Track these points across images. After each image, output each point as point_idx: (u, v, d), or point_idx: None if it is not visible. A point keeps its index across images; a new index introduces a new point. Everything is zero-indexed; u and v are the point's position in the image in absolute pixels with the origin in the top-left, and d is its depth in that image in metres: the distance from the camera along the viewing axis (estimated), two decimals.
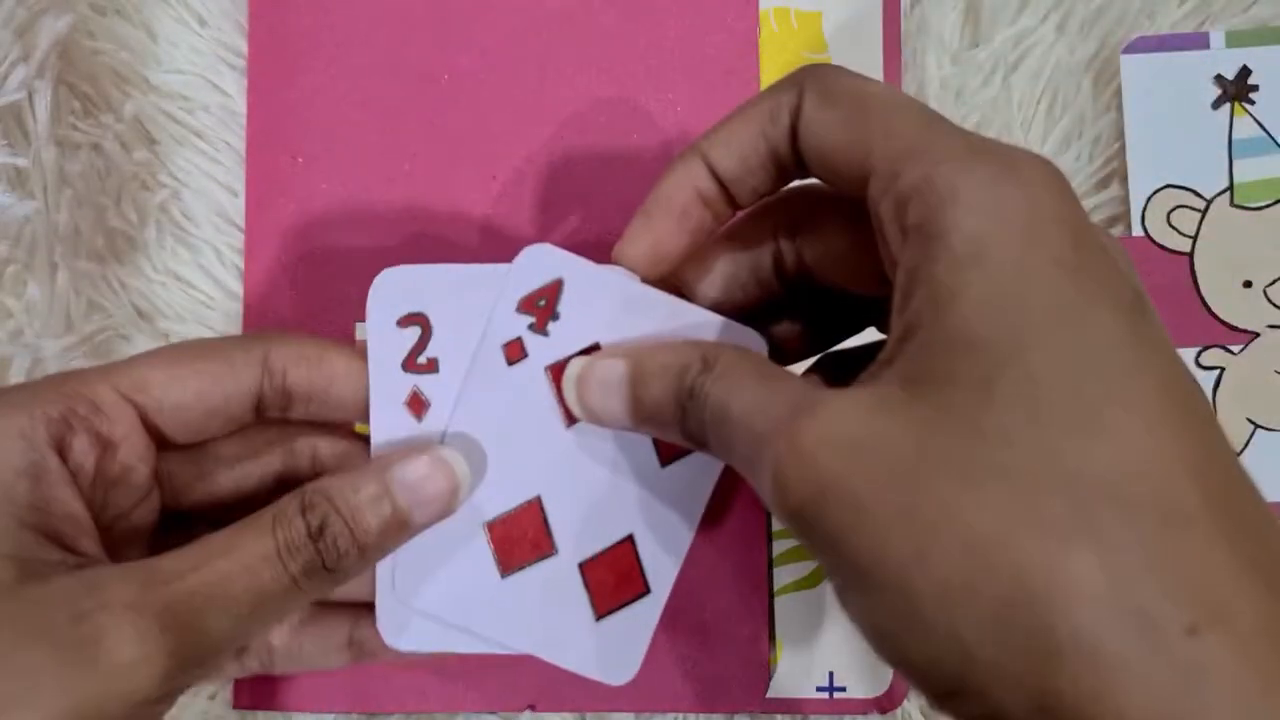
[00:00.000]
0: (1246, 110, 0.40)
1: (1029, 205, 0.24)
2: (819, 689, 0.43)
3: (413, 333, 0.33)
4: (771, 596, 0.41)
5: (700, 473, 0.34)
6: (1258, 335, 0.40)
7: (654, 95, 0.42)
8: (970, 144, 0.26)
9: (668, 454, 0.34)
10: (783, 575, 0.41)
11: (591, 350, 0.33)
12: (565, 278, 0.32)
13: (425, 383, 0.34)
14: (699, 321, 0.33)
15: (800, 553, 0.41)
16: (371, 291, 0.33)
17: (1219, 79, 0.41)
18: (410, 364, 0.33)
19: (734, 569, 0.41)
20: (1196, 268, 0.40)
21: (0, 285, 0.42)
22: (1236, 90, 0.40)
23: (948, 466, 0.23)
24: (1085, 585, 0.22)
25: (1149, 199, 0.41)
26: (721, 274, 0.33)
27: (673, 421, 0.29)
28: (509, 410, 0.34)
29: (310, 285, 0.42)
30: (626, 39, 0.42)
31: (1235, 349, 0.40)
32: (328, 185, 0.42)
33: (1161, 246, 0.41)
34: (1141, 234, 0.41)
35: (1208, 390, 0.40)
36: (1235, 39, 0.40)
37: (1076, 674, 0.21)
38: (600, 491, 0.34)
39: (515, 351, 0.33)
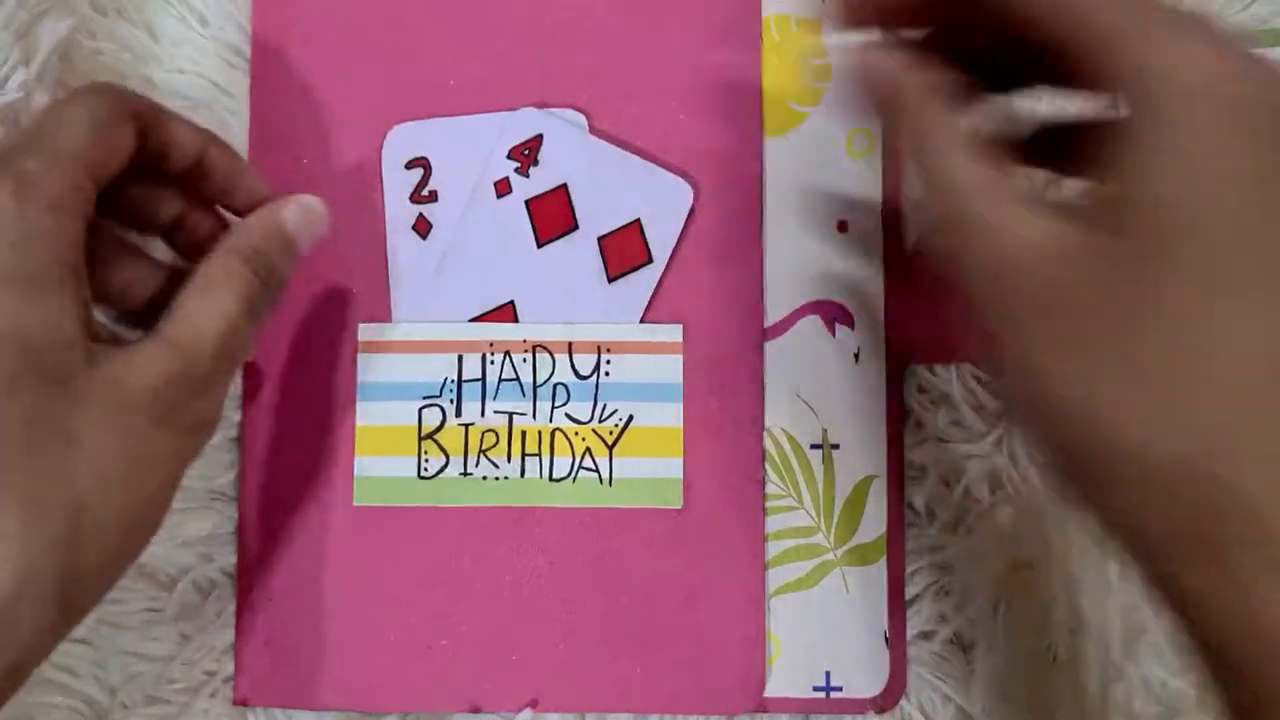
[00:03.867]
0: None
1: (1234, 84, 0.27)
2: (816, 688, 0.42)
3: (416, 173, 0.42)
4: (766, 598, 0.42)
5: (639, 289, 0.42)
6: None
7: (658, 104, 0.42)
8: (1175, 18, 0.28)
9: (614, 272, 0.42)
10: (777, 576, 0.42)
11: (560, 190, 0.42)
12: (544, 133, 0.41)
13: (428, 210, 0.42)
14: (639, 168, 0.42)
15: (796, 554, 0.42)
16: (385, 142, 0.42)
17: None
18: (415, 196, 0.42)
19: (730, 571, 0.41)
20: None
21: None
22: None
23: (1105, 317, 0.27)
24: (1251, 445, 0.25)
25: None
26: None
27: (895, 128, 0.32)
28: (495, 231, 0.42)
29: (312, 283, 0.42)
30: (631, 48, 0.43)
31: None
32: (329, 184, 0.42)
33: None
34: None
35: None
36: (1269, 39, 0.39)
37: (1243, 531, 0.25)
38: (558, 297, 0.41)
39: (504, 187, 0.42)
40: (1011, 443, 0.42)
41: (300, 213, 0.37)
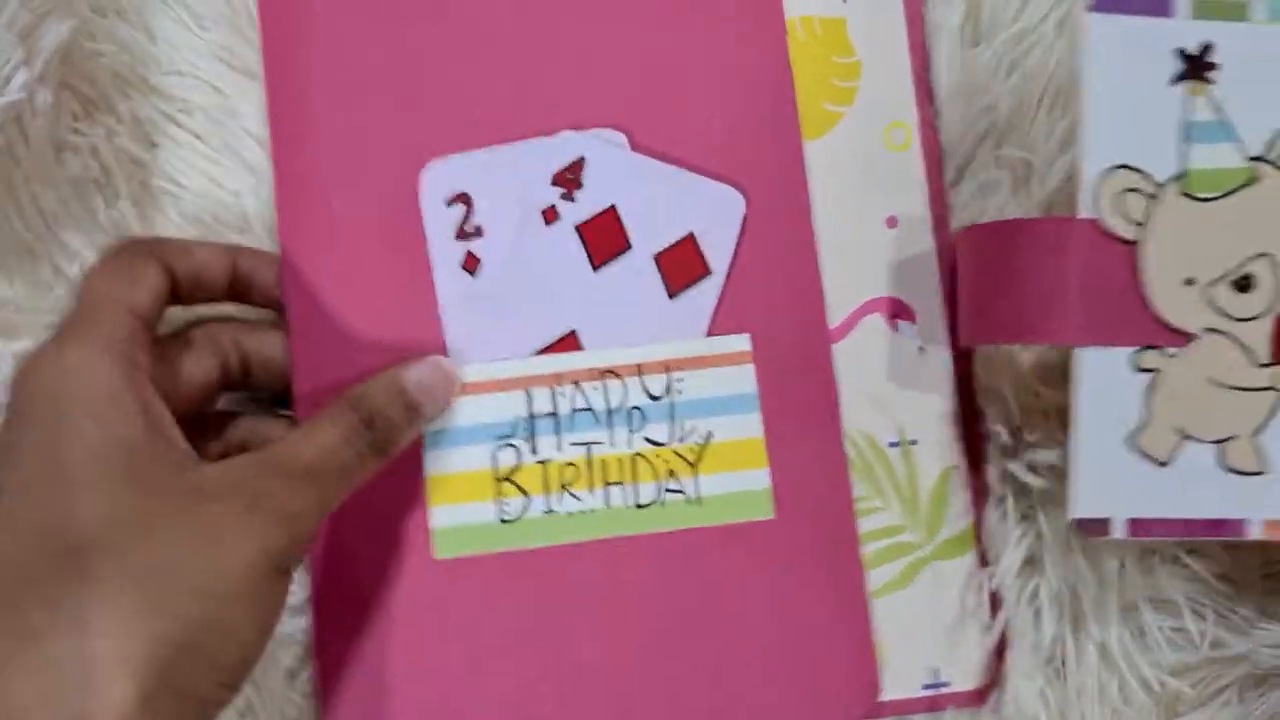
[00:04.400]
0: (1205, 90, 0.36)
1: None
2: (925, 686, 0.41)
3: (458, 210, 0.40)
4: (869, 601, 0.41)
5: (702, 302, 0.41)
6: (1194, 337, 0.36)
7: (695, 115, 0.42)
8: None
9: (675, 288, 0.41)
10: (872, 579, 0.41)
11: (610, 211, 0.40)
12: (586, 155, 0.41)
13: (475, 246, 0.40)
14: (690, 182, 0.41)
15: (887, 554, 0.41)
16: (422, 180, 0.41)
17: (1180, 52, 0.36)
18: (460, 233, 0.40)
19: (830, 576, 0.41)
20: (1142, 259, 0.36)
21: None
22: (1197, 67, 0.36)
23: None
24: None
25: (1102, 178, 0.36)
26: None
27: None
28: (548, 260, 0.41)
29: (362, 332, 0.41)
30: (661, 60, 0.42)
31: (1172, 351, 0.36)
32: (364, 229, 0.41)
33: (1109, 233, 0.36)
34: (1088, 216, 0.36)
35: (1140, 396, 0.36)
36: (1201, 8, 0.36)
37: None
38: (620, 319, 0.41)
39: (551, 215, 0.41)
40: None
41: (424, 370, 0.38)
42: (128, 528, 0.30)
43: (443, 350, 0.40)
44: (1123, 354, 0.36)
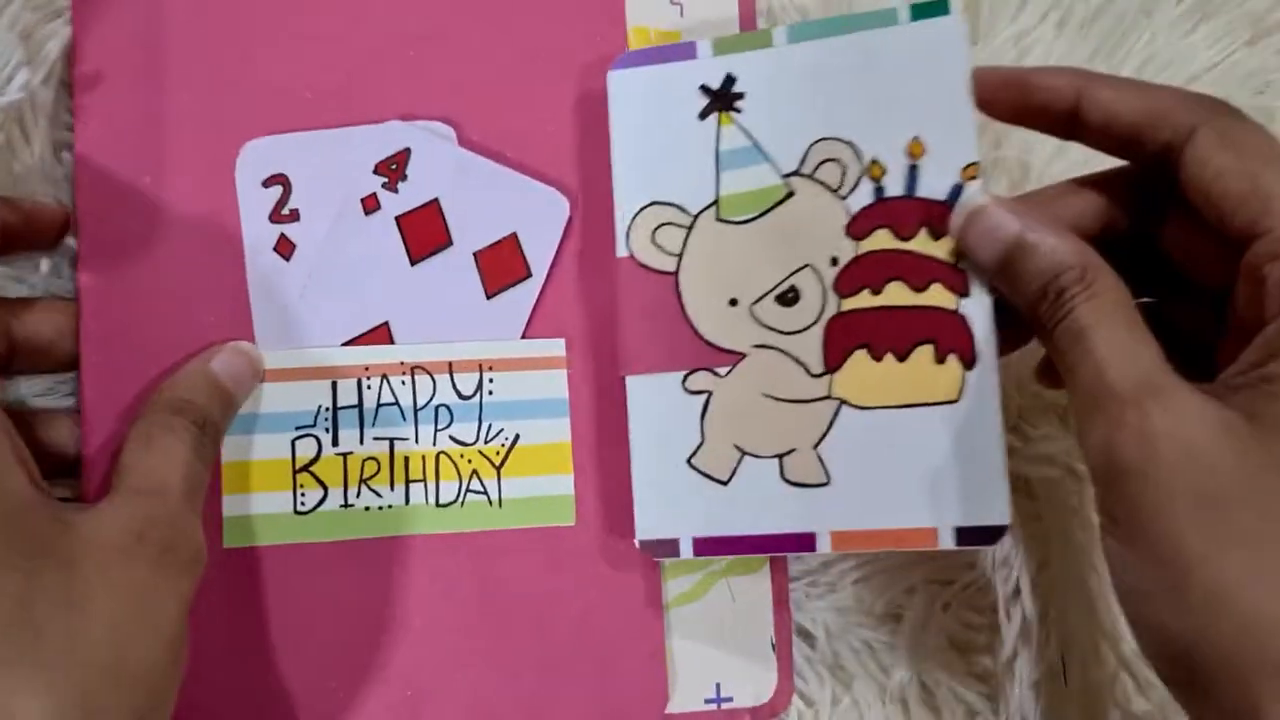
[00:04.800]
0: (733, 119, 0.38)
1: None
2: (707, 700, 0.42)
3: (275, 191, 0.39)
4: (665, 611, 0.41)
5: (519, 304, 0.41)
6: (744, 356, 0.37)
7: (527, 114, 0.41)
8: None
9: (493, 288, 0.41)
10: (671, 589, 0.41)
11: (432, 205, 0.40)
12: (412, 146, 0.40)
13: (290, 230, 0.39)
14: (516, 183, 0.41)
15: (683, 566, 0.42)
16: (238, 160, 0.40)
17: (704, 89, 0.38)
18: (275, 216, 0.39)
19: (627, 586, 0.41)
20: (681, 287, 0.38)
21: None
22: (721, 99, 0.38)
23: (1264, 510, 0.28)
24: None
25: (633, 218, 0.39)
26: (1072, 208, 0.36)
27: (1027, 296, 0.32)
28: (365, 249, 0.40)
29: (165, 312, 0.40)
30: (497, 56, 0.42)
31: (722, 371, 0.38)
32: (176, 206, 0.40)
33: (646, 267, 0.38)
34: (626, 254, 0.39)
35: (695, 418, 0.38)
36: (722, 45, 0.38)
37: None
38: (435, 315, 0.40)
39: (372, 204, 0.40)
40: None
41: (230, 358, 0.38)
42: (62, 610, 0.29)
43: (250, 334, 0.39)
44: (674, 378, 0.38)
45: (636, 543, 0.38)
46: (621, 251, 0.39)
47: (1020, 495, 0.43)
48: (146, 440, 0.34)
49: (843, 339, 0.37)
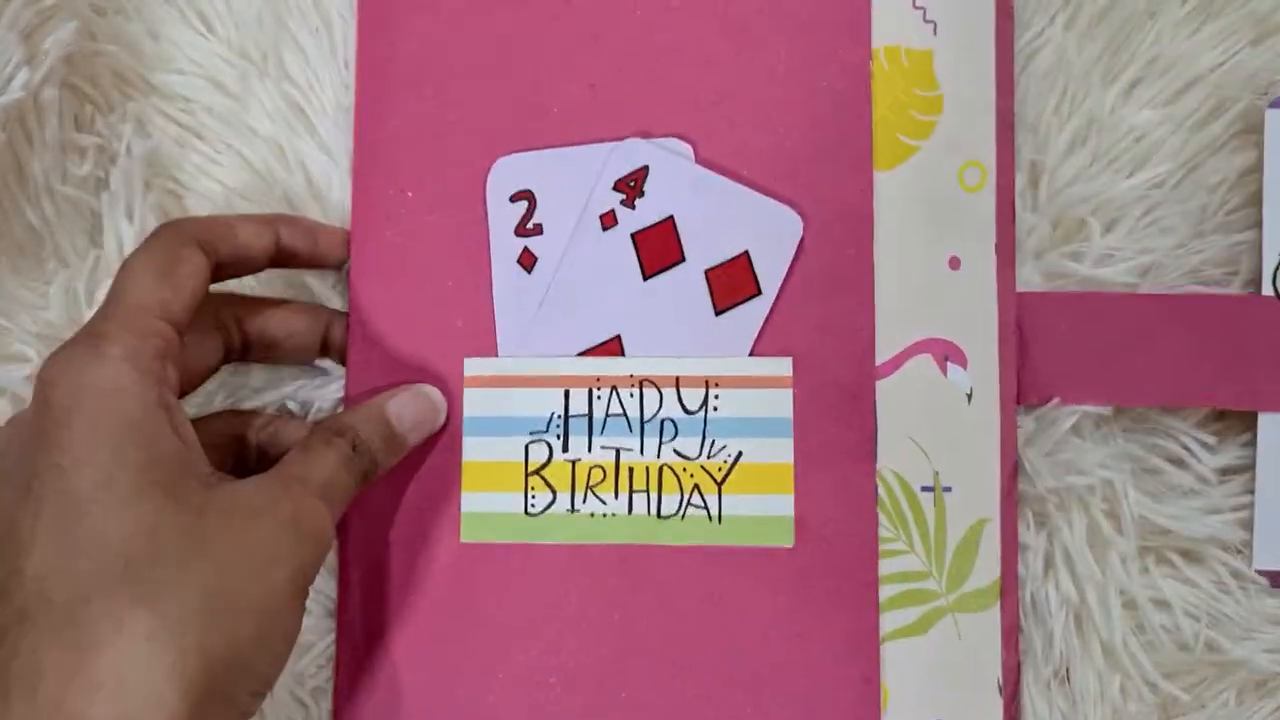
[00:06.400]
0: None
1: None
2: None
3: (521, 206, 0.41)
4: (879, 643, 0.41)
5: (748, 322, 0.41)
6: None
7: (766, 133, 0.42)
8: None
9: (722, 305, 0.41)
10: (887, 622, 0.41)
11: (667, 222, 0.41)
12: (650, 164, 0.41)
13: (533, 243, 0.41)
14: (750, 201, 0.41)
15: (906, 599, 0.41)
16: (489, 175, 0.42)
17: None
18: (520, 229, 0.41)
19: (843, 613, 0.40)
20: None
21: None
22: None
23: None
24: None
25: None
26: None
27: None
28: (601, 264, 0.41)
29: (417, 317, 0.42)
30: (737, 75, 0.42)
31: None
32: (434, 218, 0.42)
33: None
34: (1272, 294, 0.41)
35: None
36: None
37: None
38: (664, 330, 0.41)
39: (609, 220, 0.41)
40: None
41: (408, 399, 0.40)
42: (183, 545, 0.31)
43: (493, 342, 0.41)
44: None
45: (1254, 569, 0.41)
46: (1266, 290, 0.41)
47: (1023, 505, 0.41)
48: (304, 448, 0.37)
49: None
